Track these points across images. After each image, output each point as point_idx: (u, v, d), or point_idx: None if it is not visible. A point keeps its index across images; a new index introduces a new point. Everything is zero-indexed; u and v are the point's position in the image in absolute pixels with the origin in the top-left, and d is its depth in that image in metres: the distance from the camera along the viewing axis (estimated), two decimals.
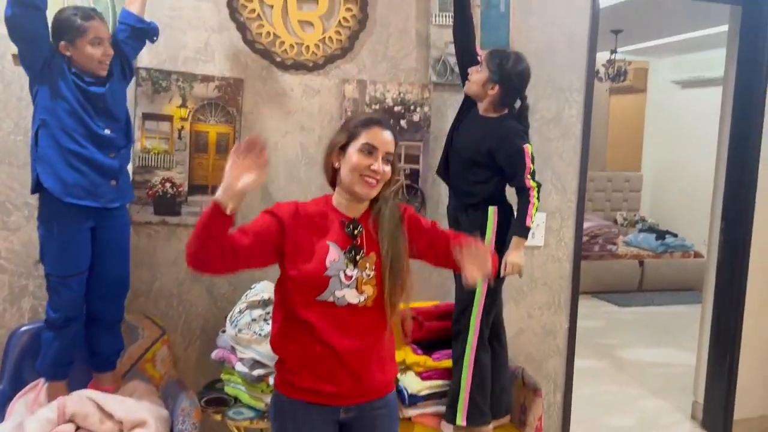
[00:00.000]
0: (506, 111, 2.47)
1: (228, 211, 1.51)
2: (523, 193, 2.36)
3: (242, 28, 2.60)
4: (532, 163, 2.36)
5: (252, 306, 2.37)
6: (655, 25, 5.86)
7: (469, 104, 2.56)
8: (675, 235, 6.69)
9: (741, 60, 3.35)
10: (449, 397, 2.49)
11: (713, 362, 3.50)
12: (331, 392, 1.66)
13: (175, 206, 2.59)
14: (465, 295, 2.45)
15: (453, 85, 2.84)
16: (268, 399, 2.26)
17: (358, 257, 1.65)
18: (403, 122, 2.80)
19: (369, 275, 1.66)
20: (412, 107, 2.81)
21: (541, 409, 2.58)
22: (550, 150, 3.02)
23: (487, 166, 2.40)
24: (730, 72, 3.43)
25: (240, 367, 2.33)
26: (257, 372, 2.28)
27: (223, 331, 2.48)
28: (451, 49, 2.74)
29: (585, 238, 5.85)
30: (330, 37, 2.69)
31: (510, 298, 2.99)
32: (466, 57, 2.55)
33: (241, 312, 2.36)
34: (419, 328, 2.66)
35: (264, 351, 2.25)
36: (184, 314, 2.69)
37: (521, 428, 2.61)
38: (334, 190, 1.73)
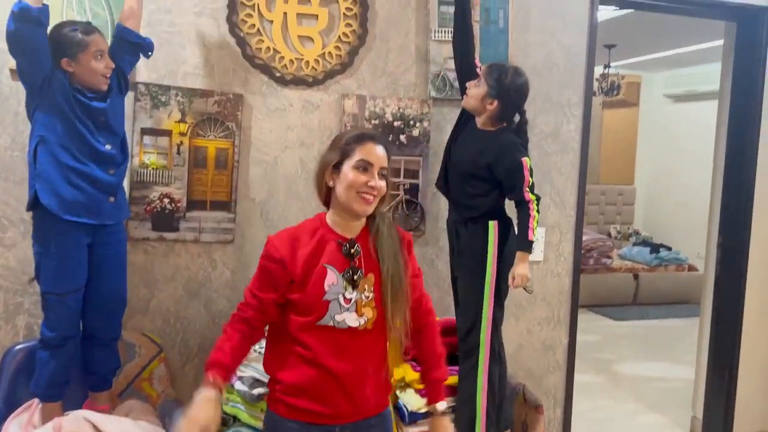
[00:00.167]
0: (504, 124, 2.46)
1: None
2: (523, 206, 2.35)
3: (242, 43, 2.59)
4: (531, 176, 2.36)
5: None
6: (648, 40, 5.91)
7: (466, 117, 2.56)
8: (669, 249, 6.72)
9: (736, 74, 3.37)
10: (462, 416, 2.46)
11: (712, 377, 3.49)
12: (327, 413, 1.63)
13: (173, 222, 2.56)
14: (471, 313, 2.43)
15: (452, 100, 2.84)
16: None
17: (356, 279, 1.61)
18: (402, 137, 2.80)
19: (368, 297, 1.63)
20: (411, 122, 2.81)
21: (543, 427, 2.56)
22: (549, 164, 3.03)
23: (485, 180, 2.40)
24: (726, 86, 3.46)
25: (239, 385, 2.29)
26: (257, 391, 2.25)
27: None
28: (451, 64, 2.74)
29: None
30: (330, 53, 2.69)
31: (510, 314, 2.97)
32: (465, 69, 2.54)
33: None
34: None
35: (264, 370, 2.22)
36: (182, 331, 2.66)
37: None
38: (327, 209, 1.69)
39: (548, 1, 2.95)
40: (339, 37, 2.69)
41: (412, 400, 2.51)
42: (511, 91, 2.38)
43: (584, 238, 6.18)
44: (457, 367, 2.55)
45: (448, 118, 2.87)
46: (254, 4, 2.59)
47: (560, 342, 3.14)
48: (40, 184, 2.07)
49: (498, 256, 2.39)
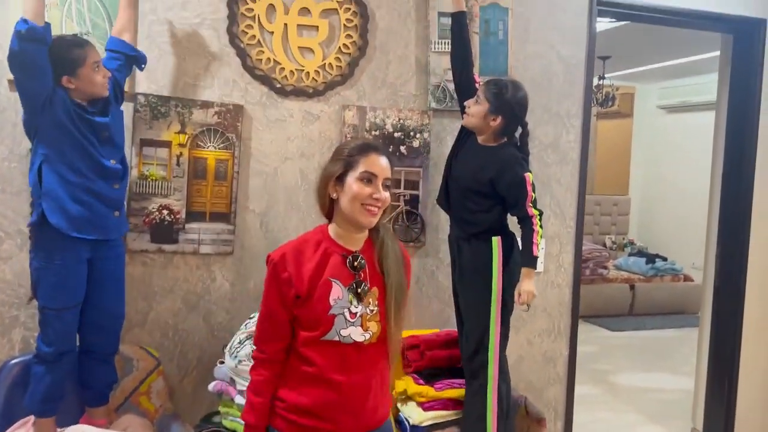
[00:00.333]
0: (505, 139, 2.45)
1: None
2: (526, 221, 2.34)
3: (242, 54, 2.58)
4: (533, 191, 2.35)
5: (252, 336, 2.30)
6: (642, 51, 5.96)
7: (467, 132, 2.53)
8: (664, 259, 6.74)
9: (733, 86, 3.40)
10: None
11: (712, 388, 3.48)
12: (330, 430, 1.61)
13: (172, 234, 2.54)
14: (478, 333, 2.40)
15: (452, 111, 2.84)
16: None
17: (361, 292, 1.60)
18: (402, 148, 2.79)
19: (373, 311, 1.61)
20: (411, 133, 2.80)
21: None
22: (549, 175, 3.03)
23: (488, 195, 2.38)
24: (723, 98, 3.48)
25: (240, 399, 2.26)
26: None
27: (221, 362, 2.41)
28: (450, 75, 2.74)
29: None
30: (330, 64, 2.68)
31: (510, 326, 2.95)
32: (464, 85, 2.54)
33: (240, 343, 2.30)
34: (420, 357, 2.62)
35: None
36: (180, 344, 2.63)
37: None
38: (329, 221, 1.67)
39: (547, 13, 2.97)
40: (339, 48, 2.69)
41: (413, 413, 2.49)
42: (513, 105, 2.37)
43: None
44: (459, 380, 2.54)
45: (449, 129, 2.87)
46: (255, 15, 2.59)
47: (561, 354, 3.12)
48: (47, 203, 2.05)
49: (503, 272, 2.37)
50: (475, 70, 2.62)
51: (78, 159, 2.08)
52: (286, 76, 2.64)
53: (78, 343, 2.27)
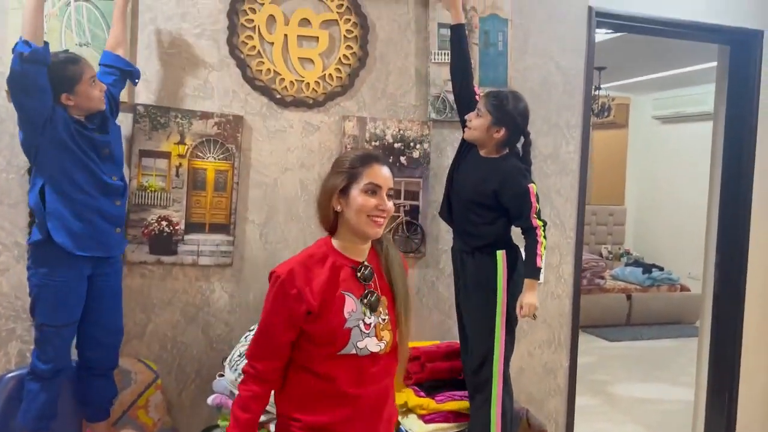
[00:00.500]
0: (507, 150, 2.45)
1: None
2: (530, 233, 2.33)
3: (242, 65, 2.58)
4: (537, 202, 2.34)
5: None
6: (637, 62, 5.99)
7: (467, 144, 2.52)
8: (661, 269, 6.74)
9: (731, 97, 3.41)
10: None
11: (712, 399, 3.47)
12: None
13: (171, 245, 2.52)
14: (483, 347, 2.38)
15: (452, 122, 2.84)
16: None
17: (372, 302, 1.58)
18: (402, 159, 2.78)
19: (384, 320, 1.60)
20: (411, 144, 2.80)
21: None
22: (549, 186, 3.02)
23: (491, 208, 2.37)
24: (720, 109, 3.49)
25: None
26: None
27: (221, 375, 2.39)
28: (450, 86, 2.74)
29: None
30: (330, 75, 2.68)
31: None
32: (464, 97, 2.53)
33: (241, 356, 2.28)
34: (421, 369, 2.60)
35: None
36: (179, 357, 2.60)
37: None
38: (330, 233, 1.64)
39: (546, 24, 2.98)
40: (339, 59, 2.69)
41: (414, 426, 2.47)
42: (515, 116, 2.37)
43: None
44: (460, 392, 2.52)
45: (449, 139, 2.86)
46: (255, 26, 2.58)
47: (561, 365, 3.11)
48: (52, 223, 2.05)
49: (507, 286, 2.35)
50: (475, 82, 2.62)
51: (80, 177, 2.08)
52: (286, 86, 2.63)
53: (77, 359, 2.25)
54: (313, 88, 2.66)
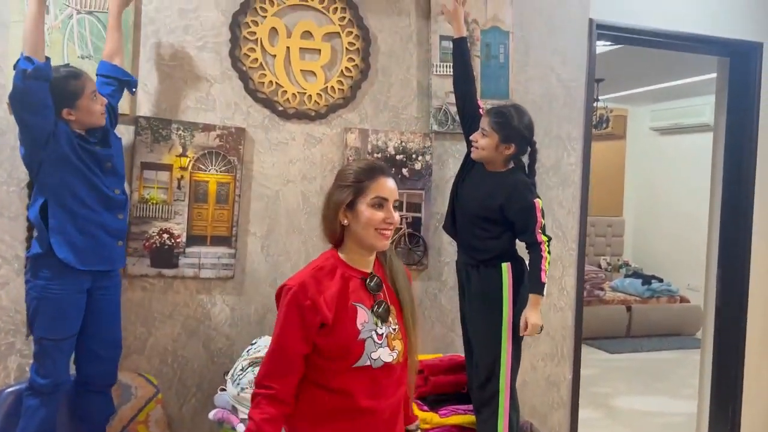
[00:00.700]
0: (512, 164, 2.44)
1: None
2: (535, 248, 2.32)
3: (244, 77, 2.57)
4: (543, 217, 2.33)
5: (255, 363, 2.26)
6: (635, 74, 6.02)
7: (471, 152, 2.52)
8: (660, 280, 6.73)
9: (731, 109, 3.42)
10: None
11: (716, 412, 3.45)
12: None
13: (172, 258, 2.50)
14: (489, 361, 2.36)
15: (454, 134, 2.84)
16: None
17: (383, 312, 1.58)
18: (405, 171, 2.78)
19: (395, 329, 1.60)
20: (413, 156, 2.79)
21: None
22: (550, 198, 3.02)
23: (497, 222, 2.35)
24: (720, 120, 3.50)
25: (241, 428, 2.21)
26: None
27: (222, 390, 2.36)
28: (452, 98, 2.74)
29: None
30: (332, 87, 2.68)
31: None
32: (468, 111, 2.53)
33: (243, 369, 2.26)
34: (424, 382, 2.57)
35: None
36: (179, 371, 2.57)
37: None
38: (335, 247, 1.63)
39: (547, 37, 2.99)
40: (341, 71, 2.69)
41: None
42: (522, 130, 2.36)
43: None
44: (464, 406, 2.49)
45: (450, 151, 2.86)
46: (257, 39, 2.58)
47: (564, 378, 3.09)
48: (55, 238, 2.03)
49: (513, 299, 2.34)
50: (477, 94, 2.62)
51: (83, 191, 2.07)
52: (288, 99, 2.63)
53: (75, 375, 2.22)
54: (315, 101, 2.66)
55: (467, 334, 2.49)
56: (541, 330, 2.37)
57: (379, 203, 1.55)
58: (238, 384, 2.23)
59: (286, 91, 2.62)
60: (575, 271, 3.08)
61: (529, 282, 2.33)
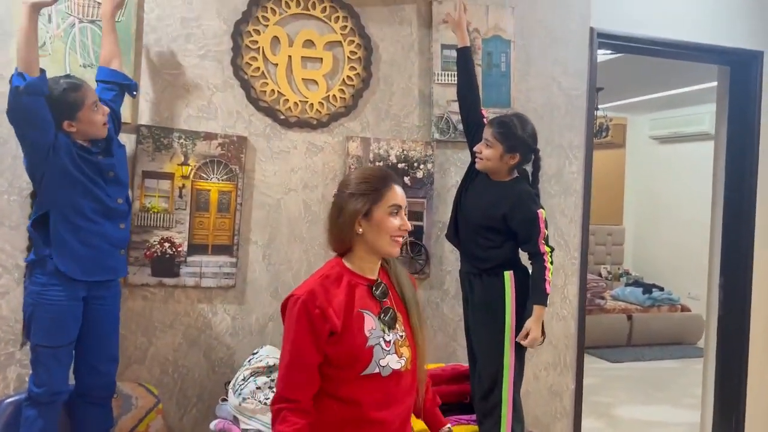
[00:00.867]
0: (516, 173, 2.44)
1: None
2: (537, 258, 2.31)
3: (246, 86, 2.57)
4: (546, 228, 2.32)
5: (256, 373, 2.25)
6: (634, 83, 6.03)
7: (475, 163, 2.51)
8: (661, 289, 6.72)
9: (732, 117, 3.43)
10: None
11: (718, 422, 3.43)
12: None
13: (173, 267, 2.49)
14: (491, 368, 2.34)
15: (456, 142, 2.83)
16: None
17: (390, 319, 1.57)
18: (406, 179, 2.77)
19: (402, 336, 1.59)
20: (415, 164, 2.79)
21: None
22: (552, 206, 3.01)
23: (500, 231, 2.34)
24: (721, 129, 3.50)
25: None
26: None
27: (224, 400, 2.34)
28: (454, 107, 2.75)
29: None
30: (334, 96, 2.68)
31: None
32: (473, 121, 2.52)
33: (244, 379, 2.24)
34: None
35: (271, 421, 2.12)
36: (180, 381, 2.55)
37: None
38: (340, 255, 1.62)
39: (549, 46, 2.99)
40: (343, 80, 2.69)
41: None
42: (526, 138, 2.36)
43: None
44: (467, 416, 2.47)
45: (452, 160, 2.86)
46: (259, 48, 2.58)
47: (567, 387, 3.07)
48: (57, 251, 2.03)
49: (516, 308, 2.32)
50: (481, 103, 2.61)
51: (85, 204, 2.06)
52: (290, 107, 2.63)
53: (73, 386, 2.20)
54: (317, 109, 2.66)
55: (471, 344, 2.47)
56: (543, 341, 2.36)
57: (395, 211, 1.57)
58: (240, 394, 2.21)
59: (287, 100, 2.62)
60: (577, 280, 3.07)
61: (532, 293, 2.32)
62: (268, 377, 2.24)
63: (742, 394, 3.34)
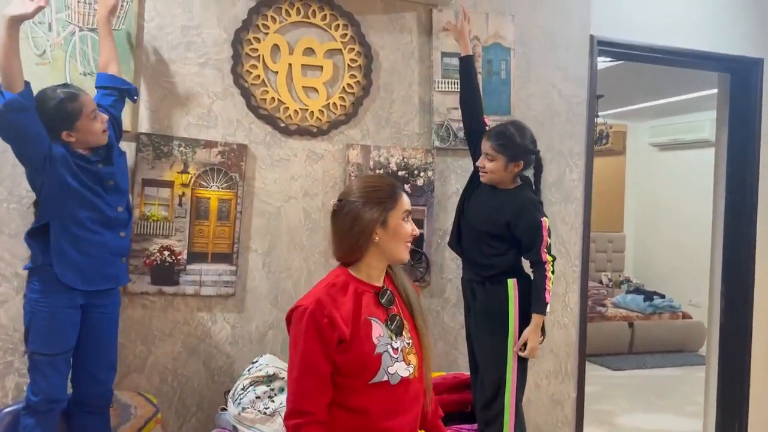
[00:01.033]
0: (520, 181, 2.43)
1: None
2: (539, 266, 2.30)
3: (246, 93, 2.57)
4: (549, 236, 2.31)
5: (256, 382, 2.24)
6: (634, 90, 6.04)
7: (479, 174, 2.49)
8: (662, 296, 6.70)
9: (732, 124, 3.43)
10: None
11: (721, 430, 3.41)
12: None
13: (173, 275, 2.48)
14: (494, 376, 2.33)
15: (456, 150, 2.83)
16: None
17: (397, 326, 1.57)
18: (407, 187, 2.77)
19: (409, 343, 1.59)
20: (415, 172, 2.78)
21: None
22: (553, 214, 3.00)
23: (504, 239, 2.34)
24: (722, 136, 3.50)
25: None
26: None
27: (223, 409, 2.33)
28: (454, 114, 2.75)
29: None
30: (334, 103, 2.68)
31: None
32: (474, 129, 2.52)
33: (244, 389, 2.23)
34: None
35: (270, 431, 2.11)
36: (179, 390, 2.54)
37: None
38: (346, 265, 1.60)
39: (549, 53, 2.99)
40: (343, 87, 2.69)
41: None
42: (528, 144, 2.36)
43: None
44: (468, 425, 2.46)
45: (452, 167, 2.85)
46: (259, 56, 2.58)
47: (568, 396, 3.05)
48: (57, 261, 2.02)
49: (519, 315, 2.31)
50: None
51: (84, 214, 2.05)
52: (290, 115, 2.63)
53: (71, 394, 2.19)
54: (317, 117, 2.66)
55: (473, 352, 2.46)
56: (543, 340, 2.35)
57: (407, 216, 1.60)
58: (239, 404, 2.20)
59: (288, 108, 2.62)
60: (579, 288, 3.06)
61: (532, 301, 2.31)
62: (267, 386, 2.23)
63: (744, 402, 3.32)
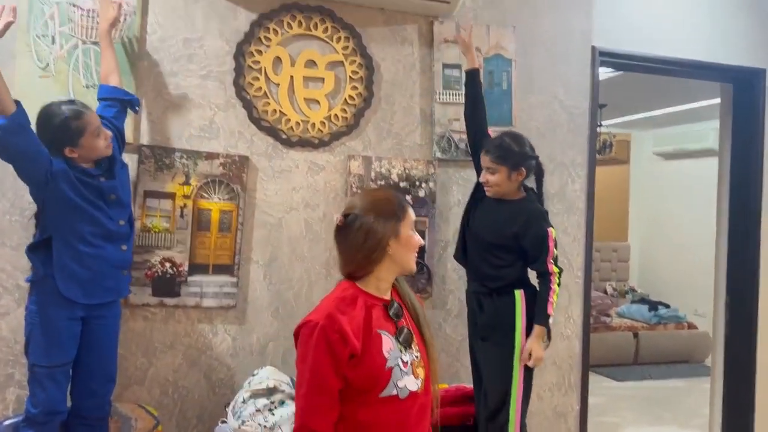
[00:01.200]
0: (524, 192, 2.42)
1: None
2: (545, 278, 2.29)
3: (248, 105, 2.58)
4: (555, 247, 2.31)
5: (256, 395, 2.23)
6: (637, 100, 6.04)
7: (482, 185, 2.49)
8: (667, 306, 6.65)
9: (735, 134, 3.42)
10: None
11: None
12: None
13: (174, 287, 2.48)
14: (500, 388, 2.32)
15: (457, 161, 2.83)
16: None
17: (405, 339, 1.55)
18: (408, 198, 2.76)
19: (417, 356, 1.57)
20: (417, 183, 2.78)
21: None
22: (555, 225, 2.93)
23: (511, 250, 2.33)
24: (725, 146, 3.49)
25: None
26: None
27: (223, 422, 2.32)
28: (455, 126, 2.75)
29: None
30: (336, 115, 2.68)
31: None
32: (478, 143, 2.51)
33: (244, 401, 2.22)
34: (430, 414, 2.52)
35: None
36: (180, 402, 2.53)
37: None
38: (353, 279, 1.59)
39: (550, 64, 2.99)
40: (345, 99, 2.69)
41: None
42: (527, 151, 2.36)
43: None
44: None
45: (454, 178, 2.85)
46: (261, 68, 2.59)
47: (572, 408, 3.03)
48: (59, 275, 2.02)
49: (526, 327, 2.30)
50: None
51: (86, 229, 2.06)
52: (291, 127, 2.63)
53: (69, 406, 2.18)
54: (319, 128, 2.66)
55: (477, 365, 2.44)
56: (548, 345, 2.34)
57: (414, 227, 1.60)
58: (239, 417, 2.19)
59: (289, 119, 2.63)
60: (581, 300, 3.04)
61: (536, 312, 2.30)
62: (268, 399, 2.22)
63: (750, 414, 3.29)
